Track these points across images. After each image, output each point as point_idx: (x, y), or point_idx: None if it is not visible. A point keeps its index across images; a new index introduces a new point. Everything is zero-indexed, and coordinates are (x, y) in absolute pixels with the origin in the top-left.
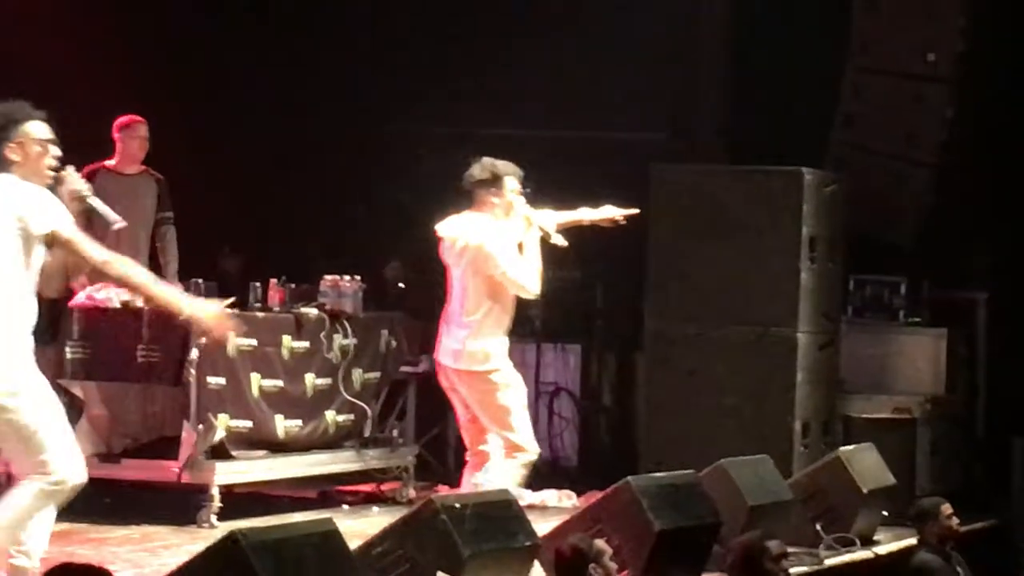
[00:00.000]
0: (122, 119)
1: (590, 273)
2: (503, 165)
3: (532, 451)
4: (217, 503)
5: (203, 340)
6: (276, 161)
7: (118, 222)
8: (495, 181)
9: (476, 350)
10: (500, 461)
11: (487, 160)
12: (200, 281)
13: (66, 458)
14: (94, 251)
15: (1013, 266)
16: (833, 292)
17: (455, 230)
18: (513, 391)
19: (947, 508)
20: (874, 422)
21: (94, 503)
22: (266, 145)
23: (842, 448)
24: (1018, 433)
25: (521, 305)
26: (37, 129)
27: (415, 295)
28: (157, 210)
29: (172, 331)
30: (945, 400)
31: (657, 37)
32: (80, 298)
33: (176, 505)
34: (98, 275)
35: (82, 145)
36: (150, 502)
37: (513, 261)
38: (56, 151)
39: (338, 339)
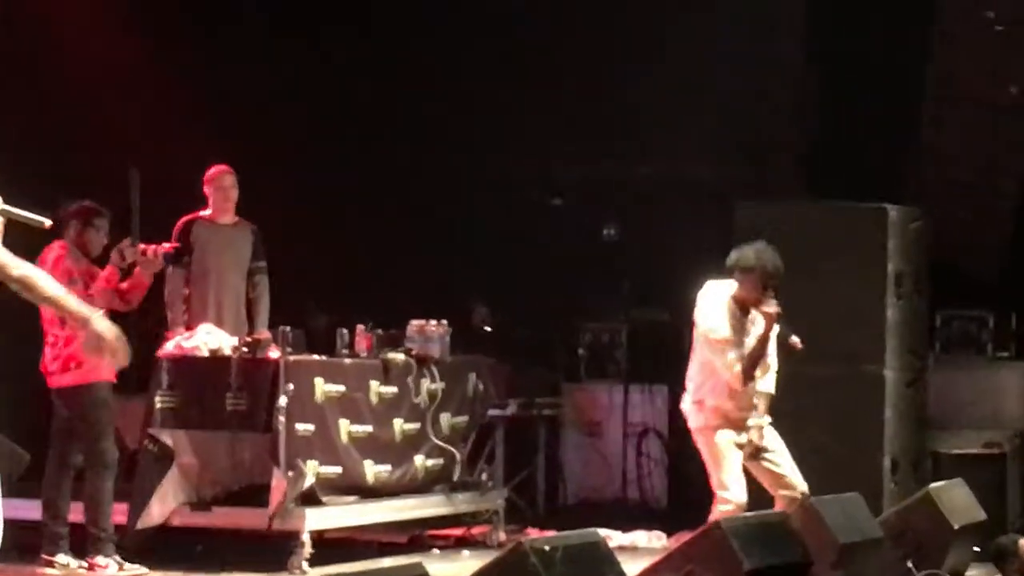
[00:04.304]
0: (210, 170)
1: (676, 314)
2: (754, 257)
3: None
4: (308, 549)
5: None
6: (363, 210)
7: (46, 221)
8: (742, 272)
9: (688, 407)
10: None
11: (746, 249)
12: (288, 329)
13: None
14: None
15: None
16: (920, 328)
17: (701, 294)
18: (716, 450)
19: None
20: (964, 457)
21: (186, 551)
22: (352, 189)
23: (932, 484)
24: None
25: (606, 348)
26: None
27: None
28: (252, 259)
29: (260, 379)
30: None
31: (738, 75)
32: (169, 348)
33: (267, 552)
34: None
35: (179, 195)
36: (241, 549)
37: (732, 344)
38: None
39: (425, 383)
